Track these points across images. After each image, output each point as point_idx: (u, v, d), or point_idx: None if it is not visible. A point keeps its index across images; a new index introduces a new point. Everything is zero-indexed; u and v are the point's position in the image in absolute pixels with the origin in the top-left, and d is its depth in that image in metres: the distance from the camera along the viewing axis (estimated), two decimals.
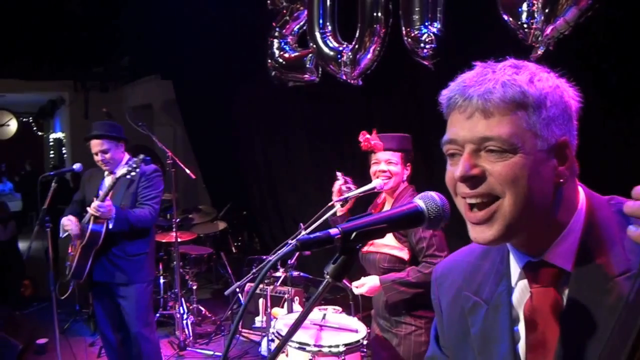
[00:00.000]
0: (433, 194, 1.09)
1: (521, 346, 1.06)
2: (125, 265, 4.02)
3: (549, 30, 2.66)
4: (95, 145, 3.99)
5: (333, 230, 0.99)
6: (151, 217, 4.00)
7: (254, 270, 3.46)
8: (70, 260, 4.07)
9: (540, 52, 2.73)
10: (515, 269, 1.10)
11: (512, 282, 1.10)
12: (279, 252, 3.04)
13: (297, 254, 4.49)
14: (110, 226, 3.82)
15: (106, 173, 4.11)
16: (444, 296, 1.25)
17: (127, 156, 4.15)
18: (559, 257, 1.03)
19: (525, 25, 2.77)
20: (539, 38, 2.69)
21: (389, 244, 2.81)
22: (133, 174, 3.71)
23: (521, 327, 1.07)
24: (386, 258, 2.82)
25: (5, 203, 8.38)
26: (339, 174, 3.13)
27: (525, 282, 1.07)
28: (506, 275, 1.11)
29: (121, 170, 3.70)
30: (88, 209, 3.75)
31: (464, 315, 1.17)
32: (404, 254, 2.79)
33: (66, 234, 4.04)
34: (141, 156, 3.73)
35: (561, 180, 1.01)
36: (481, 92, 0.99)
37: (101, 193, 3.88)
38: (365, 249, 2.90)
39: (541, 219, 1.01)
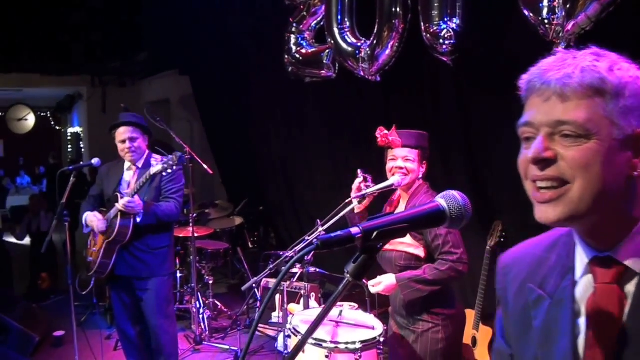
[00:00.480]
0: (455, 193, 1.08)
1: (581, 341, 1.05)
2: (148, 258, 4.04)
3: (570, 26, 2.62)
4: (124, 132, 3.99)
5: (354, 230, 0.99)
6: (177, 211, 4.03)
7: (271, 266, 3.47)
8: (92, 256, 4.08)
9: (561, 48, 2.69)
10: (580, 263, 1.09)
11: (577, 276, 1.09)
12: (300, 250, 3.05)
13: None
14: (138, 220, 3.84)
15: (126, 167, 4.11)
16: (510, 286, 1.24)
17: (147, 151, 4.17)
18: (629, 256, 1.01)
19: (546, 21, 2.74)
20: (560, 34, 2.65)
21: (404, 242, 2.79)
22: (169, 171, 3.70)
23: (582, 322, 1.06)
24: (402, 256, 2.81)
25: (41, 195, 8.48)
26: (359, 171, 3.12)
27: (590, 277, 1.06)
28: (571, 270, 1.10)
29: (156, 168, 3.69)
30: (116, 204, 3.75)
31: (528, 307, 1.16)
32: (420, 252, 2.77)
33: (89, 229, 4.06)
34: (178, 154, 3.72)
35: (635, 173, 0.99)
36: (560, 76, 0.98)
37: (129, 189, 3.90)
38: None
39: (611, 211, 1.00)
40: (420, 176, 2.87)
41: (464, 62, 3.76)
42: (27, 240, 7.91)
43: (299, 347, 1.11)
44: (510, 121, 3.42)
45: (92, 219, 3.98)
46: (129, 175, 4.11)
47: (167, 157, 3.75)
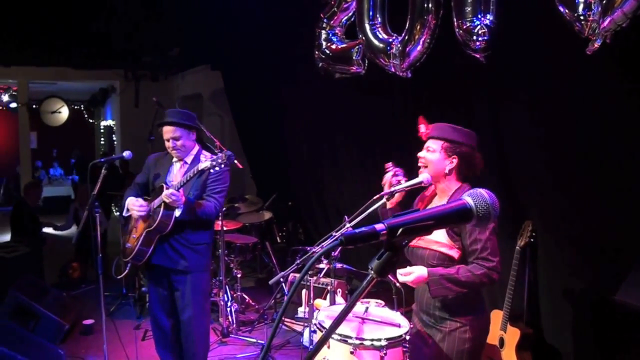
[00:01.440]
0: (483, 191, 1.07)
1: None
2: (187, 253, 4.04)
3: (606, 22, 2.55)
4: (168, 131, 4.01)
5: (379, 226, 0.98)
6: (215, 212, 4.01)
7: (298, 261, 3.49)
8: (130, 242, 4.12)
9: (596, 45, 2.63)
10: None
11: None
12: (324, 245, 3.05)
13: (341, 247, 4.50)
14: (177, 214, 3.83)
15: (174, 160, 4.14)
16: None
17: (197, 145, 4.17)
18: None
19: (581, 17, 2.67)
20: (596, 30, 2.59)
21: (439, 241, 2.75)
22: (217, 169, 3.70)
23: None
24: (435, 255, 2.76)
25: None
26: (389, 165, 3.10)
27: None
28: None
29: (204, 164, 3.67)
30: (162, 195, 3.77)
31: None
32: (454, 253, 2.73)
33: (128, 214, 4.09)
34: (228, 153, 3.68)
35: None
36: None
37: (175, 181, 3.92)
38: (414, 243, 2.85)
39: None
40: (447, 171, 2.79)
41: (496, 59, 3.70)
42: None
43: (322, 342, 1.11)
44: (541, 120, 3.39)
45: (134, 203, 3.99)
46: (176, 168, 4.13)
47: (217, 155, 3.72)
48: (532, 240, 3.92)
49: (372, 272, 1.01)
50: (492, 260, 2.63)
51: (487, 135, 4.27)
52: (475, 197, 1.06)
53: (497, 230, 2.72)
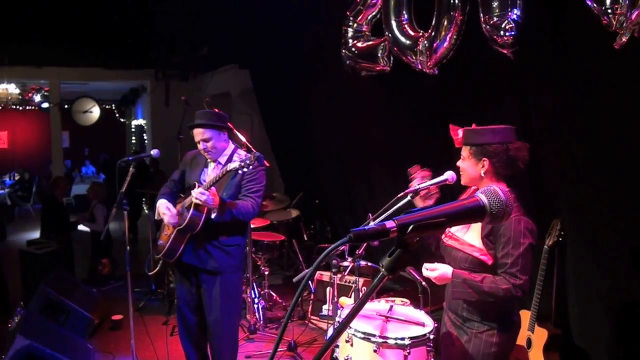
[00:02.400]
0: (496, 188, 1.05)
1: None
2: (216, 253, 4.03)
3: (634, 15, 2.49)
4: (198, 134, 3.99)
5: (389, 223, 0.97)
6: (253, 211, 3.96)
7: (319, 259, 3.47)
8: (163, 239, 4.16)
9: (624, 39, 2.57)
10: None
11: None
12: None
13: (365, 244, 4.49)
14: (213, 216, 3.80)
15: (209, 159, 4.14)
16: None
17: (231, 145, 4.15)
18: None
19: (609, 11, 2.61)
20: (624, 24, 2.52)
21: (474, 245, 2.71)
22: (245, 170, 3.64)
23: None
24: (468, 259, 2.72)
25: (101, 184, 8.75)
26: (413, 169, 3.05)
27: None
28: None
29: (233, 164, 3.62)
30: (192, 191, 3.76)
31: None
32: (487, 259, 2.68)
33: (159, 218, 4.11)
34: (257, 154, 3.64)
35: None
36: None
37: (206, 181, 3.91)
38: (450, 242, 2.83)
39: None
40: (482, 174, 2.73)
41: (524, 55, 3.64)
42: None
43: (334, 338, 1.10)
44: (569, 118, 3.33)
45: (165, 211, 3.98)
46: (210, 168, 4.12)
47: (247, 155, 3.70)
48: (560, 239, 3.85)
49: (383, 269, 0.99)
50: (520, 277, 2.57)
51: (515, 131, 4.21)
52: (489, 194, 1.04)
53: (534, 247, 2.64)
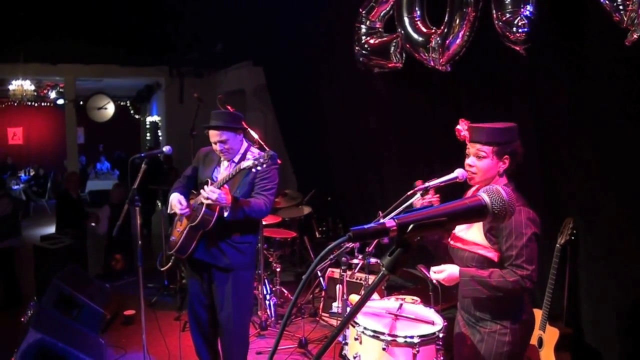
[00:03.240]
0: (499, 188, 1.04)
1: None
2: (229, 251, 4.04)
3: None
4: (214, 135, 3.97)
5: (389, 222, 0.96)
6: (266, 209, 3.96)
7: (331, 257, 3.48)
8: (175, 235, 4.17)
9: (635, 36, 2.53)
10: None
11: None
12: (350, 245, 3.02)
13: (376, 241, 4.47)
14: (226, 214, 3.80)
15: (223, 158, 4.13)
16: None
17: (245, 143, 4.14)
18: None
19: (620, 7, 2.57)
20: (635, 21, 2.49)
21: (478, 243, 2.70)
22: (259, 168, 3.62)
23: None
24: (474, 257, 2.71)
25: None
26: (419, 182, 3.02)
27: None
28: None
29: (247, 163, 3.60)
30: (202, 191, 3.77)
31: None
32: (492, 255, 2.66)
33: (172, 211, 4.13)
34: (271, 152, 3.60)
35: None
36: None
37: (219, 179, 3.91)
38: (455, 244, 2.82)
39: None
40: (501, 173, 2.70)
41: (536, 52, 3.61)
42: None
43: (335, 337, 1.10)
44: (583, 117, 3.29)
45: (177, 205, 3.99)
46: (224, 166, 4.11)
47: (260, 154, 3.66)
48: (572, 238, 3.82)
49: (383, 268, 0.99)
50: (526, 268, 2.54)
51: (528, 130, 4.18)
52: (490, 193, 1.03)
53: (539, 236, 2.61)
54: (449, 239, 2.89)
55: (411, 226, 0.96)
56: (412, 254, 1.00)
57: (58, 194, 8.58)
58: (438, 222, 0.98)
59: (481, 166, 2.70)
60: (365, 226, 0.96)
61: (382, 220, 0.98)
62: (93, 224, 7.85)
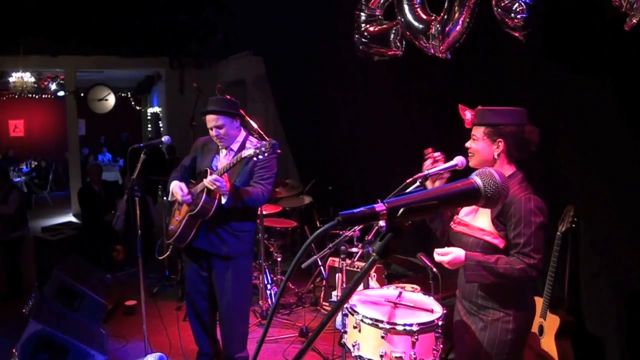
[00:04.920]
0: (492, 170, 1.02)
1: None
2: (228, 239, 4.05)
3: None
4: (211, 120, 3.99)
5: (378, 206, 0.94)
6: (263, 197, 3.98)
7: (330, 245, 3.47)
8: (174, 224, 4.17)
9: (634, 21, 2.50)
10: None
11: None
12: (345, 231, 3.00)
13: (375, 228, 4.46)
14: (223, 201, 3.82)
15: (221, 147, 4.14)
16: None
17: (243, 132, 4.15)
18: None
19: None
20: (634, 5, 2.45)
21: (484, 229, 2.68)
22: (261, 157, 3.63)
23: None
24: (479, 243, 2.69)
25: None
26: (428, 150, 3.02)
27: None
28: None
29: (248, 152, 3.62)
30: (204, 180, 3.77)
31: None
32: (498, 242, 2.64)
33: (173, 198, 4.13)
34: (273, 141, 3.62)
35: None
36: None
37: (219, 167, 3.91)
38: (459, 228, 2.80)
39: None
40: (495, 156, 2.70)
41: (536, 38, 3.57)
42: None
43: (324, 324, 1.08)
44: (584, 103, 3.25)
45: (178, 191, 4.00)
46: (222, 155, 4.12)
47: (261, 142, 3.69)
48: (573, 225, 3.80)
49: (374, 253, 0.97)
50: (534, 257, 2.54)
51: (531, 118, 4.15)
52: (484, 176, 1.01)
53: (546, 226, 2.61)
54: (452, 223, 2.88)
55: (401, 210, 0.94)
56: (403, 238, 0.98)
57: (80, 188, 8.56)
58: (429, 206, 0.96)
59: (475, 148, 2.74)
60: (355, 210, 0.94)
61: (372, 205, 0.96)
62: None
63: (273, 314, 1.16)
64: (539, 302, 3.83)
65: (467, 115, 2.82)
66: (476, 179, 1.01)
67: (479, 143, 2.72)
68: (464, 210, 2.83)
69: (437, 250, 2.75)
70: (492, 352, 2.73)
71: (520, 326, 2.71)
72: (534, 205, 2.56)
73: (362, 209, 0.94)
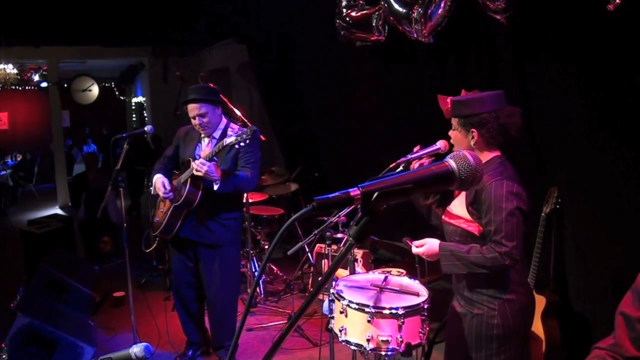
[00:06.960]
0: (466, 153, 1.03)
1: None
2: (215, 227, 4.07)
3: None
4: (193, 109, 3.99)
5: (353, 191, 0.95)
6: (252, 180, 3.99)
7: (315, 232, 3.47)
8: (159, 216, 4.16)
9: (618, 1, 2.50)
10: None
11: None
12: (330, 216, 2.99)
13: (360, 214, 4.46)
14: (216, 188, 3.82)
15: (203, 135, 4.13)
16: None
17: (224, 119, 4.15)
18: None
19: None
20: None
21: (462, 217, 2.66)
22: (242, 144, 3.67)
23: None
24: (457, 231, 2.67)
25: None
26: (417, 149, 3.02)
27: None
28: None
29: (230, 139, 3.65)
30: (192, 163, 3.75)
31: None
32: (473, 229, 2.60)
33: (156, 192, 4.12)
34: (253, 128, 3.64)
35: None
36: None
37: (202, 156, 3.91)
38: (445, 218, 2.80)
39: None
40: (472, 145, 2.66)
41: (520, 21, 3.58)
42: None
43: (303, 309, 1.08)
44: (568, 86, 3.25)
45: (160, 187, 4.00)
46: (205, 143, 4.12)
47: (242, 129, 3.70)
48: (557, 207, 3.83)
49: (350, 237, 0.97)
50: (505, 245, 2.44)
51: (513, 97, 4.17)
52: (458, 159, 1.02)
53: (524, 211, 2.49)
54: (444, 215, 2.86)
55: (375, 194, 0.94)
56: (379, 222, 0.98)
57: (75, 176, 8.45)
58: (404, 190, 0.96)
59: (454, 137, 2.75)
60: (330, 195, 0.94)
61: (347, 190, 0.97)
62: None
63: (254, 291, 1.16)
64: None
65: (448, 103, 2.81)
66: (450, 161, 1.02)
67: (455, 133, 2.73)
68: (456, 200, 2.81)
69: (414, 243, 2.76)
70: (480, 348, 2.67)
71: (506, 321, 2.59)
72: (506, 190, 2.48)
73: (337, 193, 0.95)
